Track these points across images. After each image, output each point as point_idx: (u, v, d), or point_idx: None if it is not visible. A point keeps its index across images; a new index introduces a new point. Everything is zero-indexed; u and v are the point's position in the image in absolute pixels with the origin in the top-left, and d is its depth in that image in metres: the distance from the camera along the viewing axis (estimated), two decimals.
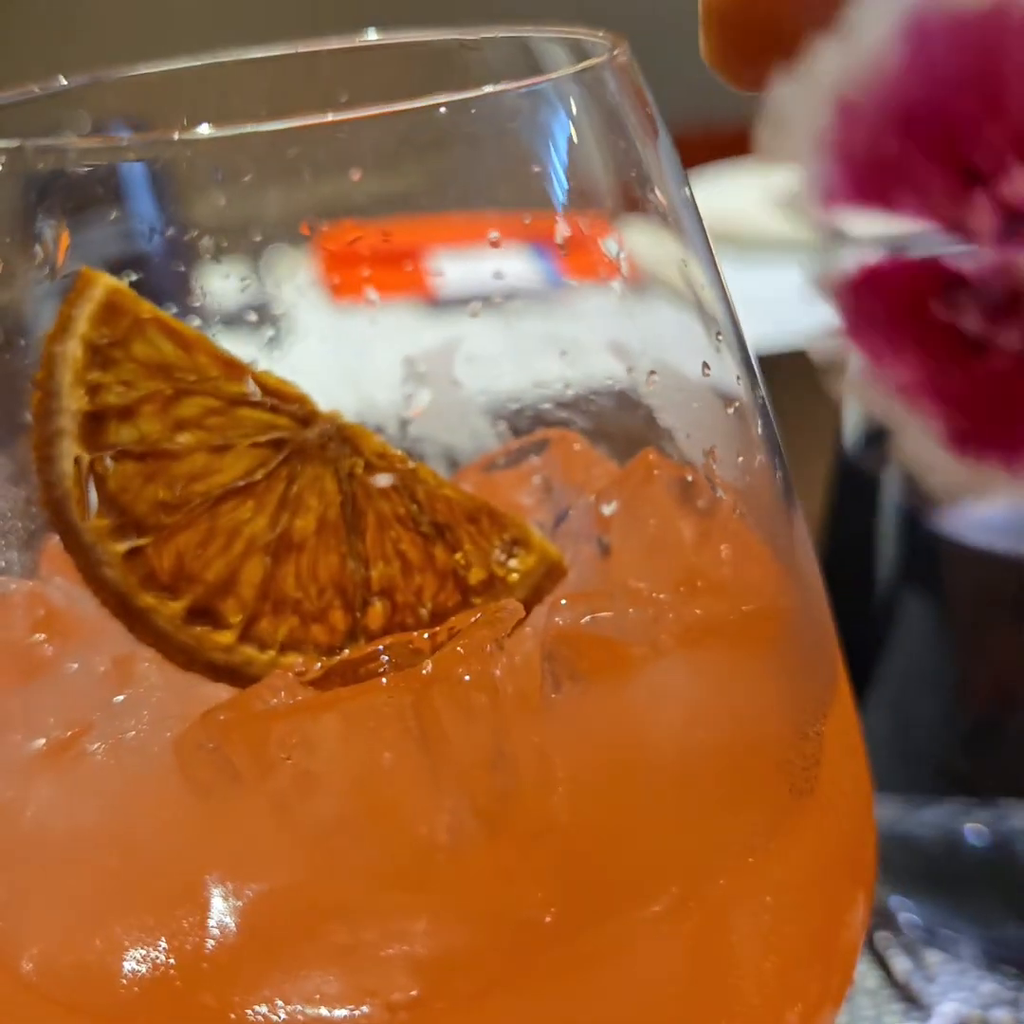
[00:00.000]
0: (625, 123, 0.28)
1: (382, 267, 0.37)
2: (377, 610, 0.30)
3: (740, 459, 0.29)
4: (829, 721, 0.29)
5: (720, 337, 0.29)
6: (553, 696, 0.26)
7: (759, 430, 0.29)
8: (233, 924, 0.23)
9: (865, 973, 0.56)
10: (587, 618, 0.27)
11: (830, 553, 0.53)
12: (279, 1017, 0.23)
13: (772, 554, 0.29)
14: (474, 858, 0.24)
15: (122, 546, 0.30)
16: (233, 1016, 0.23)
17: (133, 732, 0.26)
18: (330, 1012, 0.23)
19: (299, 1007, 0.23)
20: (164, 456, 0.30)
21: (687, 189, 0.30)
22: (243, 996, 0.23)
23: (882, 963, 0.57)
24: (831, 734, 0.28)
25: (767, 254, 1.39)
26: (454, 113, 0.25)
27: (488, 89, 0.26)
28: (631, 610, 0.27)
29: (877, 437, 0.50)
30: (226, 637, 0.30)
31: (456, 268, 0.40)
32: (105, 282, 0.30)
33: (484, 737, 0.24)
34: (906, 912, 0.56)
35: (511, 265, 0.34)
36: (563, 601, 0.28)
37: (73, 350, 0.30)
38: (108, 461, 0.30)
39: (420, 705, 0.24)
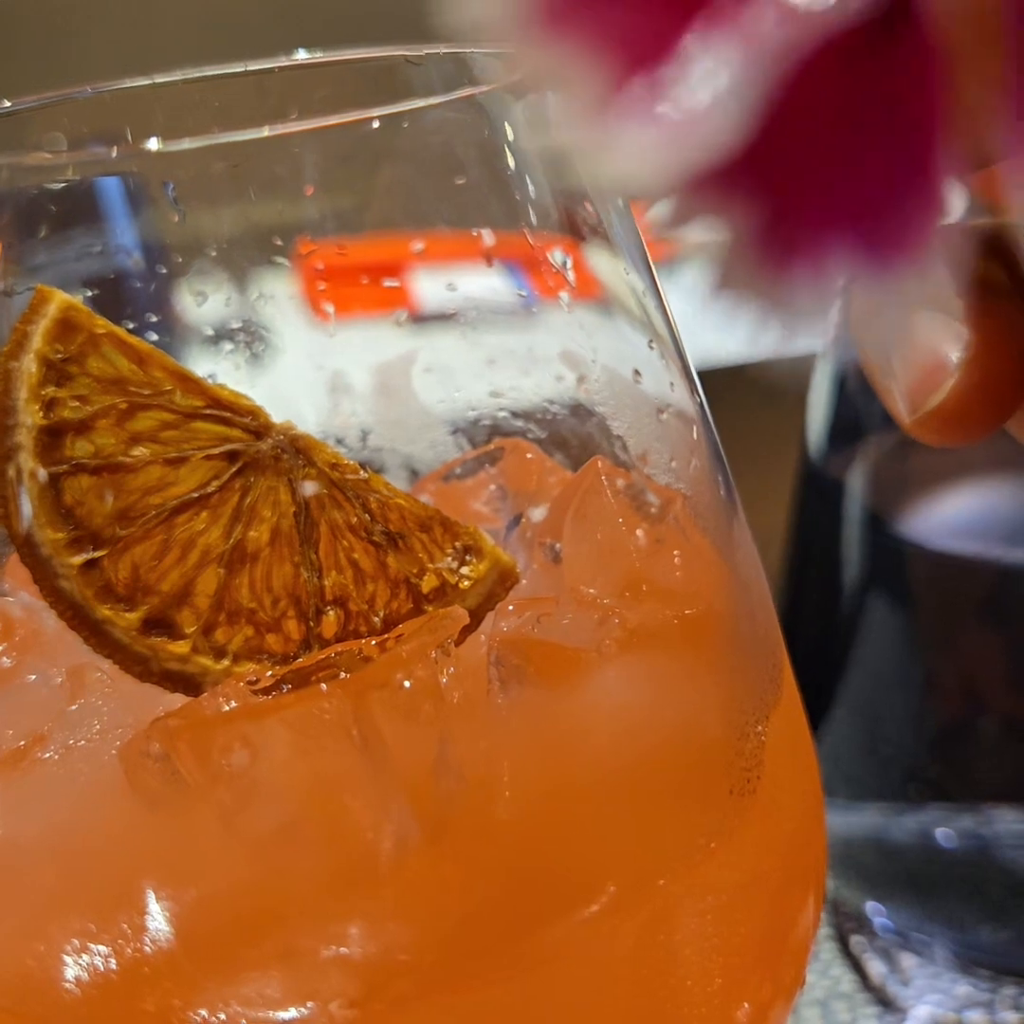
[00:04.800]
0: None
1: (351, 283, 0.38)
2: (331, 619, 0.30)
3: (683, 464, 0.29)
4: (773, 722, 0.29)
5: (653, 345, 0.29)
6: (499, 701, 0.26)
7: (700, 435, 0.30)
8: (175, 930, 0.24)
9: (840, 977, 0.56)
10: (534, 623, 0.27)
11: (797, 559, 0.53)
12: (220, 1019, 0.23)
13: (716, 557, 0.30)
14: (415, 863, 0.24)
15: (78, 558, 0.30)
16: (175, 1021, 0.23)
17: (85, 742, 0.27)
18: (272, 1015, 0.23)
19: (240, 1010, 0.23)
20: (120, 469, 0.31)
21: (623, 201, 0.30)
22: (185, 1001, 0.23)
23: (857, 967, 0.57)
24: (775, 735, 0.29)
25: None
26: (393, 125, 0.26)
27: (429, 100, 0.26)
28: (577, 615, 0.27)
29: (841, 443, 0.50)
30: (182, 647, 0.30)
31: (425, 283, 0.40)
32: (59, 299, 0.30)
33: (426, 742, 0.25)
34: (880, 917, 0.56)
35: (477, 278, 0.35)
36: (511, 607, 0.28)
37: (28, 366, 0.30)
38: (64, 475, 0.30)
39: (360, 711, 0.24)
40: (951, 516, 0.49)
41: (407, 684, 0.24)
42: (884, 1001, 0.55)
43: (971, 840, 0.53)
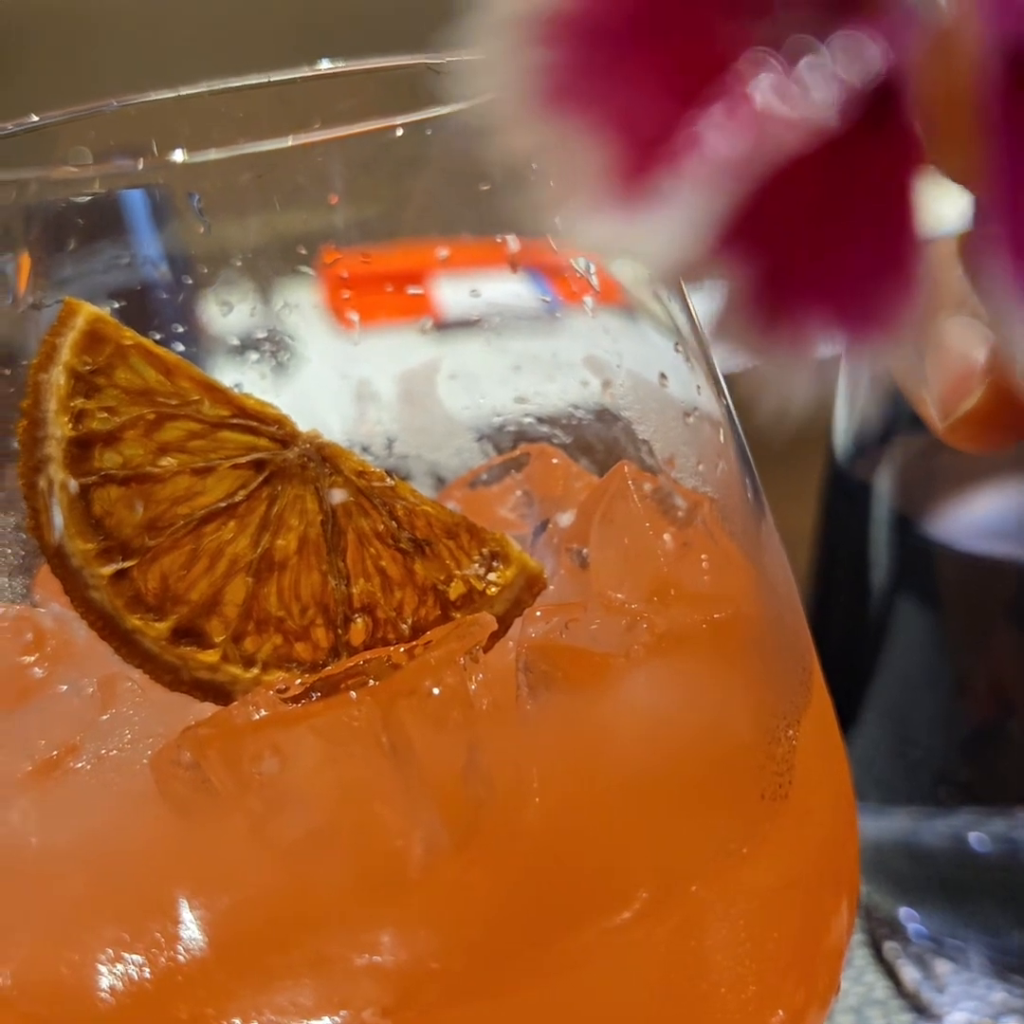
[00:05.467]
0: None
1: (374, 291, 0.38)
2: (359, 626, 0.31)
3: (710, 468, 0.29)
4: (803, 726, 0.29)
5: (679, 348, 0.29)
6: (528, 707, 0.26)
7: (727, 438, 0.29)
8: (208, 938, 0.24)
9: (874, 983, 0.56)
10: (562, 629, 0.27)
11: (824, 561, 0.53)
12: None
13: (744, 561, 0.30)
14: (445, 869, 0.24)
15: (108, 569, 0.30)
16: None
17: (116, 751, 0.27)
18: (305, 1023, 0.23)
19: (273, 1018, 0.23)
20: (148, 480, 0.31)
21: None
22: (218, 1010, 0.23)
23: (891, 973, 0.57)
24: (805, 739, 0.29)
25: None
26: (416, 133, 0.26)
27: (452, 108, 0.27)
28: (605, 620, 0.27)
29: (868, 445, 0.50)
30: (211, 656, 0.30)
31: (449, 290, 0.40)
32: (87, 311, 0.31)
33: (455, 749, 0.25)
34: (914, 923, 0.56)
35: (501, 284, 0.35)
36: (539, 613, 0.28)
37: (57, 378, 0.31)
38: (94, 486, 0.31)
39: (390, 718, 0.24)
40: (979, 517, 0.49)
41: (436, 691, 0.24)
42: (918, 1008, 0.55)
43: (1004, 844, 0.52)
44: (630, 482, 0.29)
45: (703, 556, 0.28)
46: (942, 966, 0.56)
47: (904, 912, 0.56)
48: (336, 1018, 0.23)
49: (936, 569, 0.49)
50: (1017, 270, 0.13)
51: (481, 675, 0.26)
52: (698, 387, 0.29)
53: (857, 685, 0.52)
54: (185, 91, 0.34)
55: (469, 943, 0.24)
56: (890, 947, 0.57)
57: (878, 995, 0.55)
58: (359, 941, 0.24)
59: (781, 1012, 0.28)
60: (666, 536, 0.29)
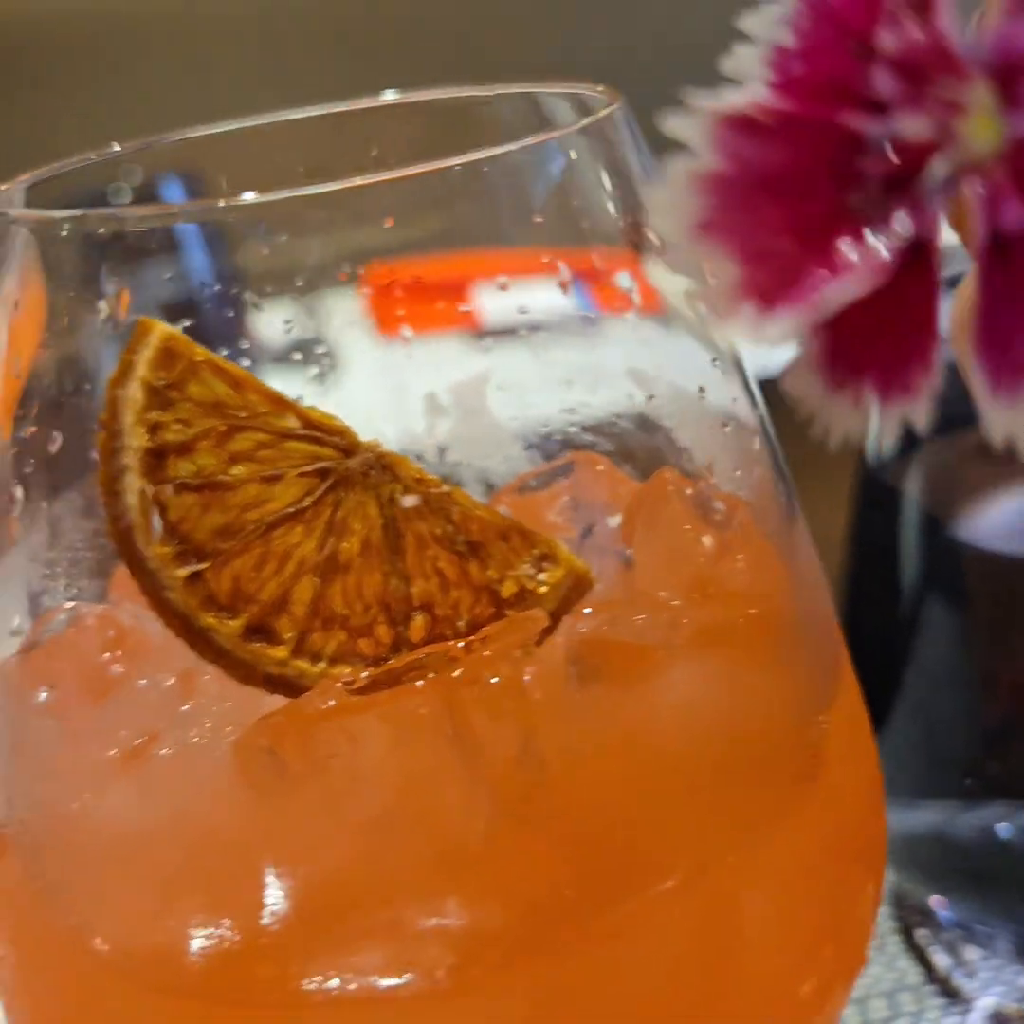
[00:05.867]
0: (625, 168, 0.30)
1: (424, 303, 0.40)
2: (418, 623, 0.33)
3: (746, 474, 0.31)
4: (833, 713, 0.31)
5: (716, 362, 0.31)
6: (576, 696, 0.28)
7: (762, 446, 0.31)
8: (288, 906, 0.26)
9: (906, 970, 0.58)
10: (607, 624, 0.29)
11: (856, 563, 0.55)
12: (331, 986, 0.25)
13: (777, 560, 0.32)
14: (503, 844, 0.26)
15: (183, 571, 0.32)
16: (290, 987, 0.25)
17: (197, 738, 0.29)
18: (377, 981, 0.26)
19: (349, 977, 0.25)
20: (220, 487, 0.33)
21: None
22: (300, 969, 0.26)
23: (923, 960, 0.58)
24: (835, 725, 0.31)
25: None
26: (474, 167, 0.28)
27: (507, 147, 0.29)
28: (648, 616, 0.29)
29: (898, 449, 0.52)
30: (280, 652, 0.32)
31: (496, 302, 0.42)
32: (161, 329, 0.33)
33: (511, 734, 0.27)
34: (943, 910, 0.57)
35: (547, 299, 0.37)
36: (586, 609, 0.30)
37: (134, 392, 0.33)
38: (169, 494, 0.33)
39: (450, 706, 0.26)
40: (1007, 519, 0.50)
41: (494, 680, 0.27)
42: (950, 993, 0.56)
43: None
44: (671, 487, 0.31)
45: (739, 556, 0.30)
46: (972, 952, 0.57)
47: (934, 900, 0.58)
48: (406, 977, 0.25)
49: (965, 569, 0.50)
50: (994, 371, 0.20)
51: (533, 667, 0.28)
52: (734, 398, 0.31)
53: (888, 682, 0.54)
54: (248, 122, 0.36)
55: (524, 908, 0.26)
56: (921, 934, 0.59)
57: (910, 981, 0.57)
58: (427, 908, 0.26)
59: (810, 982, 0.30)
60: (705, 537, 0.31)
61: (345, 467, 0.34)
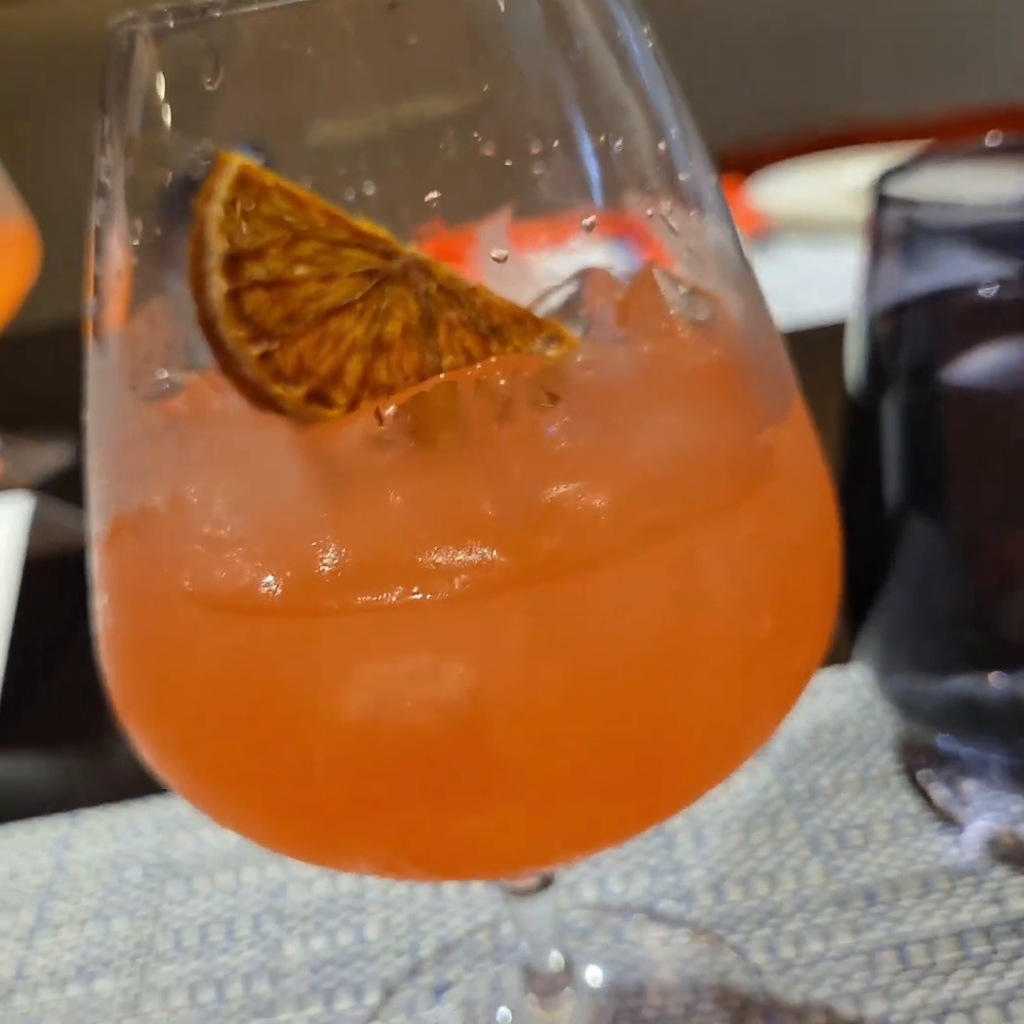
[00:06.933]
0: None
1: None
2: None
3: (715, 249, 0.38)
4: (782, 429, 0.37)
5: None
6: (567, 419, 0.35)
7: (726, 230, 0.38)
8: (336, 551, 0.33)
9: (908, 802, 0.63)
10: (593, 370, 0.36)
11: (847, 470, 0.62)
12: (367, 600, 0.32)
13: (732, 309, 0.38)
14: (505, 511, 0.33)
15: (256, 351, 0.39)
16: (350, 606, 0.32)
17: (267, 450, 0.36)
18: (407, 598, 0.32)
19: (384, 597, 0.32)
20: (285, 284, 0.40)
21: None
22: (347, 589, 0.32)
23: (924, 794, 0.64)
24: (785, 436, 0.37)
25: (833, 237, 1.49)
26: None
27: None
28: (631, 363, 0.36)
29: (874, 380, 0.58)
30: (336, 414, 0.39)
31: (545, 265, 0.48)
32: (238, 160, 0.40)
33: (514, 427, 0.34)
34: (943, 741, 0.63)
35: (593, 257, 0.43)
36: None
37: (216, 210, 0.40)
38: (244, 289, 0.40)
39: (468, 405, 0.33)
40: (988, 362, 0.56)
41: (503, 382, 0.34)
42: (946, 819, 0.62)
43: (1018, 681, 0.59)
44: (653, 269, 0.38)
45: (703, 304, 0.37)
46: (969, 786, 0.63)
47: (941, 740, 0.64)
48: (431, 595, 0.32)
49: (943, 418, 0.56)
50: None
51: (532, 387, 0.35)
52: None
53: (885, 559, 0.60)
54: None
55: (524, 554, 0.33)
56: (923, 774, 0.65)
57: (911, 810, 0.63)
58: (447, 552, 0.32)
59: (770, 627, 0.36)
60: (677, 297, 0.37)
61: (389, 268, 0.41)
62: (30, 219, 1.28)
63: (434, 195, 0.41)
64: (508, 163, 0.41)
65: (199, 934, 0.64)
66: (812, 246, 1.54)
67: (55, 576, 0.95)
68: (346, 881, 0.66)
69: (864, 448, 0.60)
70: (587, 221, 0.40)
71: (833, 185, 1.67)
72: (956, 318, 0.58)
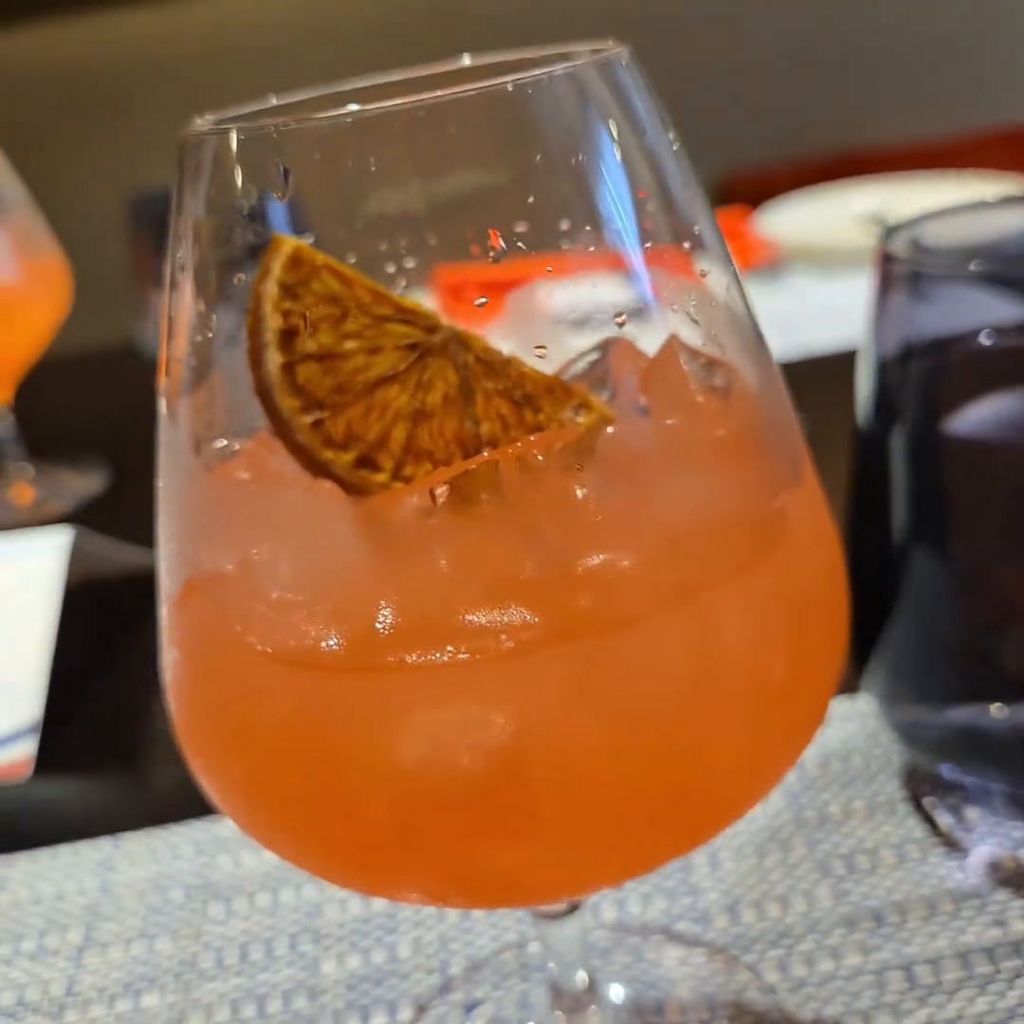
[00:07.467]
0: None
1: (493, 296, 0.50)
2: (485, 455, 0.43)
3: (734, 331, 0.42)
4: (795, 496, 0.41)
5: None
6: (594, 476, 0.38)
7: (741, 306, 0.42)
8: (392, 613, 0.36)
9: (914, 827, 0.66)
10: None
11: (855, 501, 0.65)
12: (418, 659, 0.36)
13: (750, 382, 0.42)
14: (542, 574, 0.36)
15: (309, 419, 0.43)
16: (393, 659, 0.36)
17: (323, 517, 0.40)
18: (455, 656, 0.36)
19: (434, 656, 0.36)
20: (336, 357, 0.43)
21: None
22: (397, 657, 0.36)
23: (929, 820, 0.67)
24: (797, 505, 0.40)
25: (841, 266, 1.51)
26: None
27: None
28: (653, 432, 0.39)
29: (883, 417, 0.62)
30: (382, 477, 0.43)
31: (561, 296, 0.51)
32: (291, 241, 0.44)
33: (547, 489, 0.37)
34: (947, 770, 0.66)
35: (607, 291, 0.46)
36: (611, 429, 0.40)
37: (271, 289, 0.43)
38: (297, 363, 0.43)
39: (506, 468, 0.37)
40: (992, 413, 0.59)
41: (539, 458, 0.37)
42: (951, 845, 0.65)
43: (1018, 713, 0.62)
44: (676, 345, 0.42)
45: (723, 380, 0.40)
46: (972, 813, 0.66)
47: (945, 768, 0.67)
48: (474, 655, 0.36)
49: (945, 466, 0.60)
50: None
51: (570, 454, 0.38)
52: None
53: (889, 597, 0.63)
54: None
55: (560, 613, 0.36)
56: (928, 801, 0.68)
57: (917, 836, 0.66)
58: (487, 615, 0.36)
59: (785, 673, 0.39)
60: (699, 373, 0.41)
61: (430, 341, 0.44)
62: (62, 255, 1.32)
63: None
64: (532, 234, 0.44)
65: (239, 953, 0.67)
66: (821, 275, 1.58)
67: (94, 605, 0.98)
68: (378, 902, 0.69)
69: (872, 481, 0.63)
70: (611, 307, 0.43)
71: (841, 214, 1.71)
72: (964, 363, 0.61)
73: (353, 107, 0.39)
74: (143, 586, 1.01)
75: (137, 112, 2.37)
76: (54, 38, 2.41)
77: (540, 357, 0.44)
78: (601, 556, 0.37)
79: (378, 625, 0.36)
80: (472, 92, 0.37)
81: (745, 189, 2.18)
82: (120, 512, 1.27)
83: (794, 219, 1.75)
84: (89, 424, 1.55)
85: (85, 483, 1.34)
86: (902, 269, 0.61)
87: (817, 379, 0.99)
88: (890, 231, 0.64)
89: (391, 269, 0.49)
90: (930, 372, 0.61)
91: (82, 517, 1.25)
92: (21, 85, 2.41)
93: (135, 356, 1.39)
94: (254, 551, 0.39)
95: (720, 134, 2.31)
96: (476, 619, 0.36)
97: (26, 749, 0.82)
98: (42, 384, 1.46)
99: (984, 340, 0.60)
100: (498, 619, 0.36)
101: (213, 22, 2.36)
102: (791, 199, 1.86)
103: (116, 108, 2.37)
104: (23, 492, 1.34)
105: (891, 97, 2.56)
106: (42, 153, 2.22)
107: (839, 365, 0.76)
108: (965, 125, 2.48)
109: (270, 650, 0.38)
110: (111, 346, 1.76)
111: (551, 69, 0.37)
